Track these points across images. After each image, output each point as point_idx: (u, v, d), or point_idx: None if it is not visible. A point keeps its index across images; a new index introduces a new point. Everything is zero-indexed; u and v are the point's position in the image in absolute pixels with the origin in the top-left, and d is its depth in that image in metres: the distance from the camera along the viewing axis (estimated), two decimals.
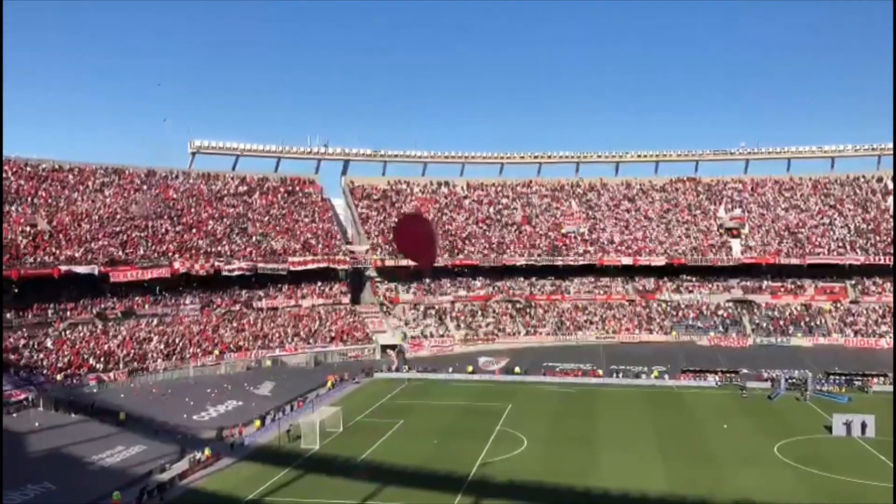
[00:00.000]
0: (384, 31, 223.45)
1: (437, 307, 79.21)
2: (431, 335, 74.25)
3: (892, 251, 76.06)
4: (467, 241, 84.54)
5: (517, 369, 62.64)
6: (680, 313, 78.15)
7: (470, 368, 63.66)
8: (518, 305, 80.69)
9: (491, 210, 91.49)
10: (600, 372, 61.51)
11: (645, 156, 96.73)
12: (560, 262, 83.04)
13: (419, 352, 70.91)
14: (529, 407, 50.36)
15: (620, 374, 60.93)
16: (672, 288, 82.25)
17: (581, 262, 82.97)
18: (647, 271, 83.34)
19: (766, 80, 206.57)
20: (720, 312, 77.78)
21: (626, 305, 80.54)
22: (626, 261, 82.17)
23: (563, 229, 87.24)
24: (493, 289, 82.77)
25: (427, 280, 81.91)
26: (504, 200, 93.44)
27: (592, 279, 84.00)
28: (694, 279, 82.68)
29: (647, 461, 36.49)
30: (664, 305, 79.85)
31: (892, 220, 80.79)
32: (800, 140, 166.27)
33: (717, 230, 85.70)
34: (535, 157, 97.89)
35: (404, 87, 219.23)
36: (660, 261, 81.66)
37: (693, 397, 53.27)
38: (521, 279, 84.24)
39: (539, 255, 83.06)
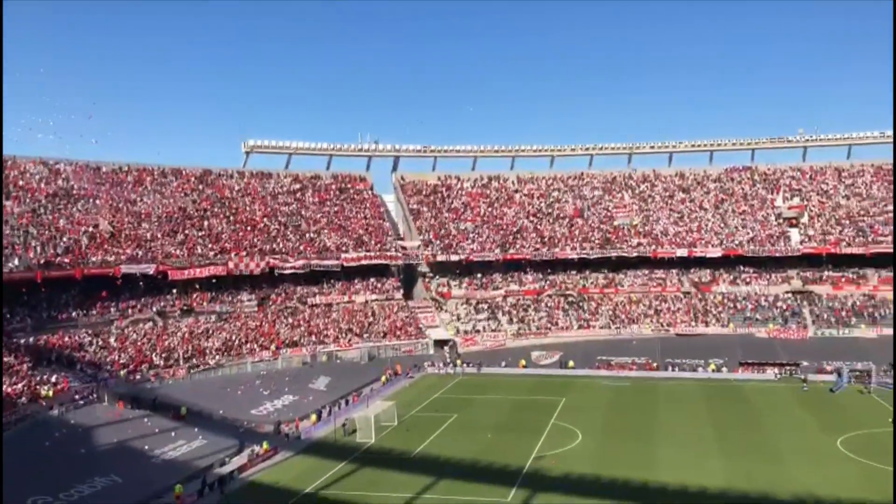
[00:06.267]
0: (428, 25, 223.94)
1: (489, 302, 79.24)
2: (484, 330, 74.32)
3: None
4: (518, 236, 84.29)
5: (570, 363, 62.35)
6: (737, 305, 76.53)
7: (523, 363, 63.63)
8: (570, 299, 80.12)
9: (542, 203, 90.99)
10: (656, 365, 60.89)
11: (699, 145, 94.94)
12: (613, 255, 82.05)
13: (472, 347, 70.98)
14: (583, 401, 50.17)
15: (677, 368, 60.29)
16: (729, 279, 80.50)
17: (635, 255, 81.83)
18: (703, 263, 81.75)
19: (824, 63, 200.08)
20: (779, 304, 75.81)
21: (682, 298, 79.19)
22: (681, 252, 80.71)
23: (616, 221, 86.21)
24: (545, 283, 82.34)
25: (479, 275, 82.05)
26: (555, 193, 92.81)
27: (647, 272, 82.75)
28: (751, 270, 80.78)
29: (706, 455, 36.01)
30: (721, 297, 78.22)
31: None
32: (861, 125, 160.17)
33: (776, 220, 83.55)
34: (587, 149, 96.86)
35: (453, 82, 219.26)
36: (716, 252, 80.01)
37: (752, 391, 52.30)
38: (574, 273, 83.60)
39: (591, 249, 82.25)
